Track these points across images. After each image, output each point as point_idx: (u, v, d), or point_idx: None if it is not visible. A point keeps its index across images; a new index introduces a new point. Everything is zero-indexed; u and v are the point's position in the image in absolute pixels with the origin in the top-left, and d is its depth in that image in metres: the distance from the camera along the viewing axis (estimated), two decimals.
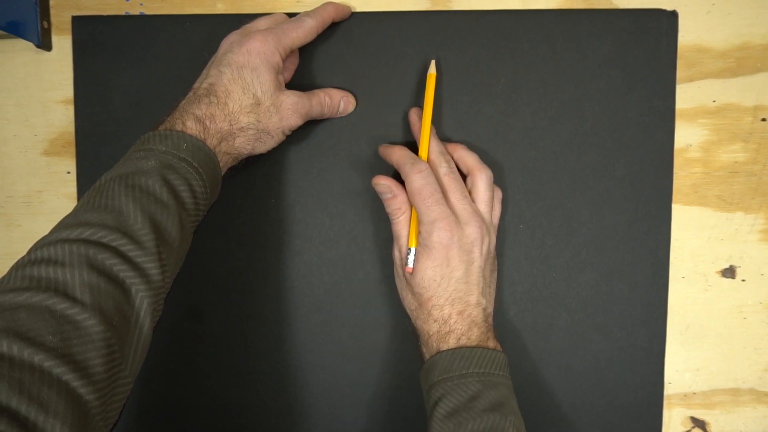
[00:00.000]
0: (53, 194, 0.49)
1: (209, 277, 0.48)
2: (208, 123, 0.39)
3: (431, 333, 0.41)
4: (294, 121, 0.43)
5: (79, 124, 0.47)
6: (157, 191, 0.35)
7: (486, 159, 0.45)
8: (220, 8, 0.48)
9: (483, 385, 0.38)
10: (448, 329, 0.40)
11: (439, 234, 0.40)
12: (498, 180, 0.46)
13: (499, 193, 0.45)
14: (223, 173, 0.41)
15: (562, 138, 0.46)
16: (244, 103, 0.40)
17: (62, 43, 0.48)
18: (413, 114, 0.45)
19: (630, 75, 0.46)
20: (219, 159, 0.40)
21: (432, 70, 0.45)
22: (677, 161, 0.47)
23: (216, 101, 0.40)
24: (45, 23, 0.47)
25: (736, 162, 0.47)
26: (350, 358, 0.48)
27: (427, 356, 0.41)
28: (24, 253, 0.47)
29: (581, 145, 0.46)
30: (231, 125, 0.40)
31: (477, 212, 0.42)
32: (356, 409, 0.48)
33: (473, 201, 0.42)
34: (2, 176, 0.49)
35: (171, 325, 0.47)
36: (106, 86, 0.47)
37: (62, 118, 0.48)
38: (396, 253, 0.44)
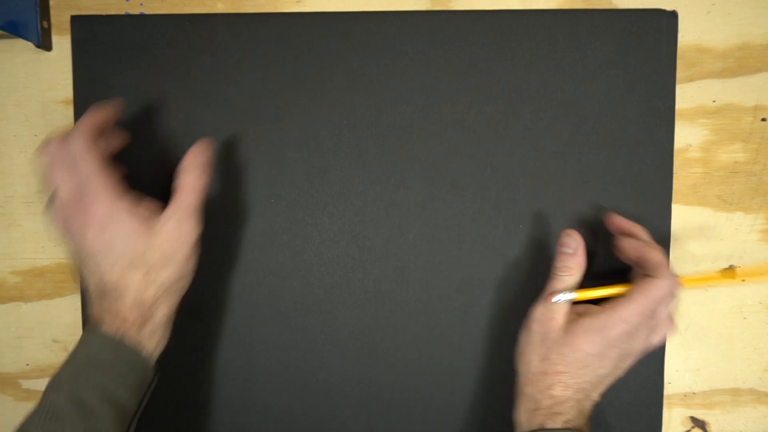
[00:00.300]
0: None
1: (209, 277, 0.48)
2: (120, 319, 0.38)
3: (541, 406, 0.39)
4: (191, 238, 0.40)
5: None
6: (66, 421, 0.35)
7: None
8: (220, 8, 0.48)
9: None
10: (560, 410, 0.39)
11: (619, 336, 0.39)
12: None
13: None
14: (162, 344, 0.40)
15: (562, 138, 0.46)
16: (137, 278, 0.38)
17: (62, 43, 0.48)
18: (641, 232, 0.43)
19: (630, 75, 0.46)
20: (147, 342, 0.39)
21: None
22: (677, 161, 0.47)
23: (116, 295, 0.38)
24: (45, 23, 0.47)
25: (736, 162, 0.47)
26: (350, 358, 0.48)
27: (525, 424, 0.40)
28: (23, 254, 0.48)
29: (581, 145, 0.46)
30: (142, 308, 0.38)
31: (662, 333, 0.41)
32: (356, 409, 0.48)
33: None
34: (2, 176, 0.49)
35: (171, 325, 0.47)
36: (106, 86, 0.47)
37: (62, 118, 0.48)
38: (540, 309, 0.41)
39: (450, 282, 0.47)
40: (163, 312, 0.40)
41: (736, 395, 0.48)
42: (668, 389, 0.48)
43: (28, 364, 0.50)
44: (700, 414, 0.48)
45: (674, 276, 0.40)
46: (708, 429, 0.49)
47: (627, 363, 0.41)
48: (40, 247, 0.49)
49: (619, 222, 0.44)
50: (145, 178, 0.47)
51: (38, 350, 0.50)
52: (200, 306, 0.48)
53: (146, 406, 0.41)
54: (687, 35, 0.46)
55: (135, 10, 0.48)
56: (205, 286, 0.48)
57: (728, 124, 0.47)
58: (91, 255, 0.38)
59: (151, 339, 0.39)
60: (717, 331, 0.48)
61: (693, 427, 0.49)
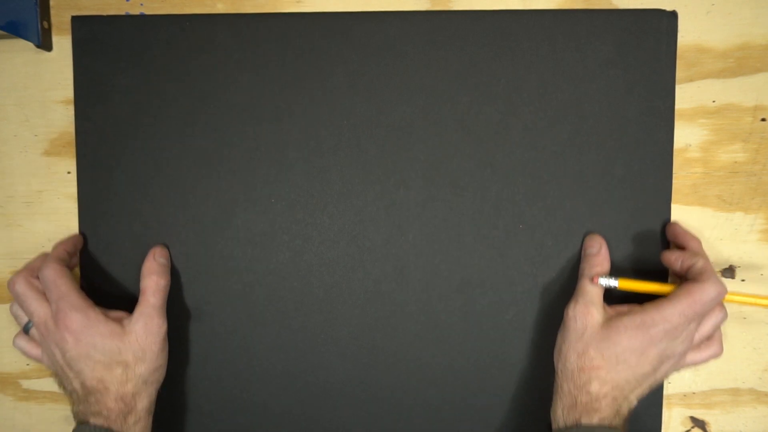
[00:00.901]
0: (53, 194, 0.49)
1: (209, 277, 0.48)
2: (105, 413, 0.41)
3: (578, 402, 0.40)
4: (160, 333, 0.44)
5: (79, 124, 0.48)
6: None
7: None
8: (220, 8, 0.48)
9: None
10: (597, 407, 0.39)
11: (660, 335, 0.39)
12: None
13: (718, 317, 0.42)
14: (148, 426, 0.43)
15: (562, 138, 0.46)
16: (116, 375, 0.42)
17: (62, 43, 0.48)
18: (693, 242, 0.44)
19: (630, 75, 0.46)
20: (135, 424, 0.42)
21: None
22: (677, 161, 0.47)
23: (100, 394, 0.41)
24: (45, 23, 0.47)
25: (736, 162, 0.47)
26: (350, 358, 0.48)
27: (561, 420, 0.40)
28: (23, 254, 0.48)
29: (581, 145, 0.46)
30: (124, 401, 0.42)
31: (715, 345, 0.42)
32: (356, 409, 0.48)
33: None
34: (2, 176, 0.49)
35: (171, 325, 0.47)
36: (106, 86, 0.47)
37: (62, 118, 0.48)
38: (577, 306, 0.42)
39: (450, 282, 0.47)
40: (144, 402, 0.43)
41: (735, 395, 0.48)
42: (668, 389, 0.48)
43: (28, 364, 0.50)
44: (699, 414, 0.48)
45: (721, 283, 0.40)
46: (708, 429, 0.49)
47: (666, 366, 0.41)
48: (40, 246, 0.49)
49: (677, 230, 0.45)
50: (144, 175, 0.47)
51: None
52: (200, 306, 0.48)
53: None
54: (687, 35, 0.46)
55: (135, 10, 0.48)
56: (205, 286, 0.48)
57: (728, 124, 0.47)
58: (72, 363, 0.42)
59: (135, 428, 0.42)
60: None
61: (693, 427, 0.49)
